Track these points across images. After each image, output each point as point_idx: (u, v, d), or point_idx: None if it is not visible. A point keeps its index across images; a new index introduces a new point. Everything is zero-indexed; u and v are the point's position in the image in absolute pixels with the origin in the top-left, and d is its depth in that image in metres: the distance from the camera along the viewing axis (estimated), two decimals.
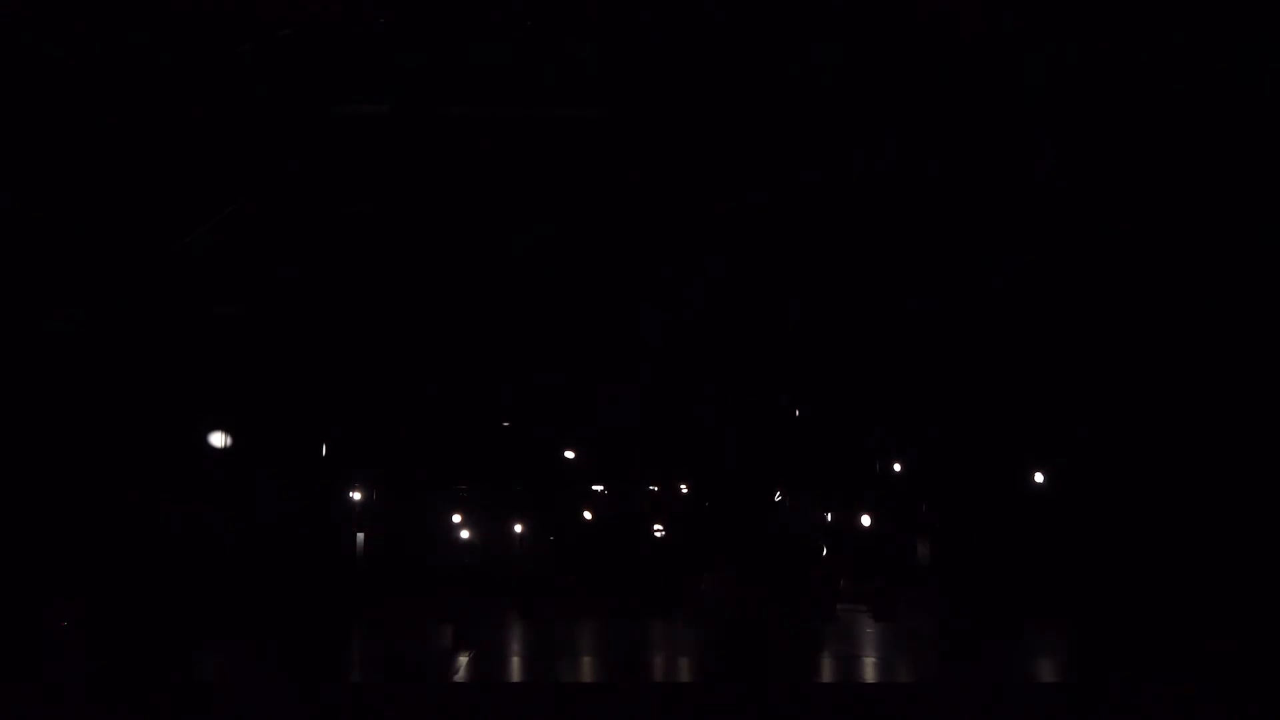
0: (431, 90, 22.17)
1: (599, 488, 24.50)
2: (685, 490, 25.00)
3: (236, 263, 22.60)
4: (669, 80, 22.24)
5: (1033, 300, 22.94)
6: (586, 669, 17.66)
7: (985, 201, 22.46)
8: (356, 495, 24.14)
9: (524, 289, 23.52)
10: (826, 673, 17.15)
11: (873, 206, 22.84)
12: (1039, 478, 23.82)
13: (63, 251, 21.50)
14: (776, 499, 24.64)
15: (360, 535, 23.95)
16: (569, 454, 24.66)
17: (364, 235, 22.86)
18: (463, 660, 17.22)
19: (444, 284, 23.38)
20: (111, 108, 21.35)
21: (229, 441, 23.08)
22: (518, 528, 24.45)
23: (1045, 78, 21.92)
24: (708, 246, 23.36)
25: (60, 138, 21.20)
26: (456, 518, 24.25)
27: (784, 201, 22.97)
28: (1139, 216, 22.07)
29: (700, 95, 22.44)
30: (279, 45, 21.35)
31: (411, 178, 22.90)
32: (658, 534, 24.63)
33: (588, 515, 24.25)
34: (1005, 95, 22.21)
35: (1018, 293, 22.98)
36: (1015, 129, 22.35)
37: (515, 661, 18.05)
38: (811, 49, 21.82)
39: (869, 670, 17.43)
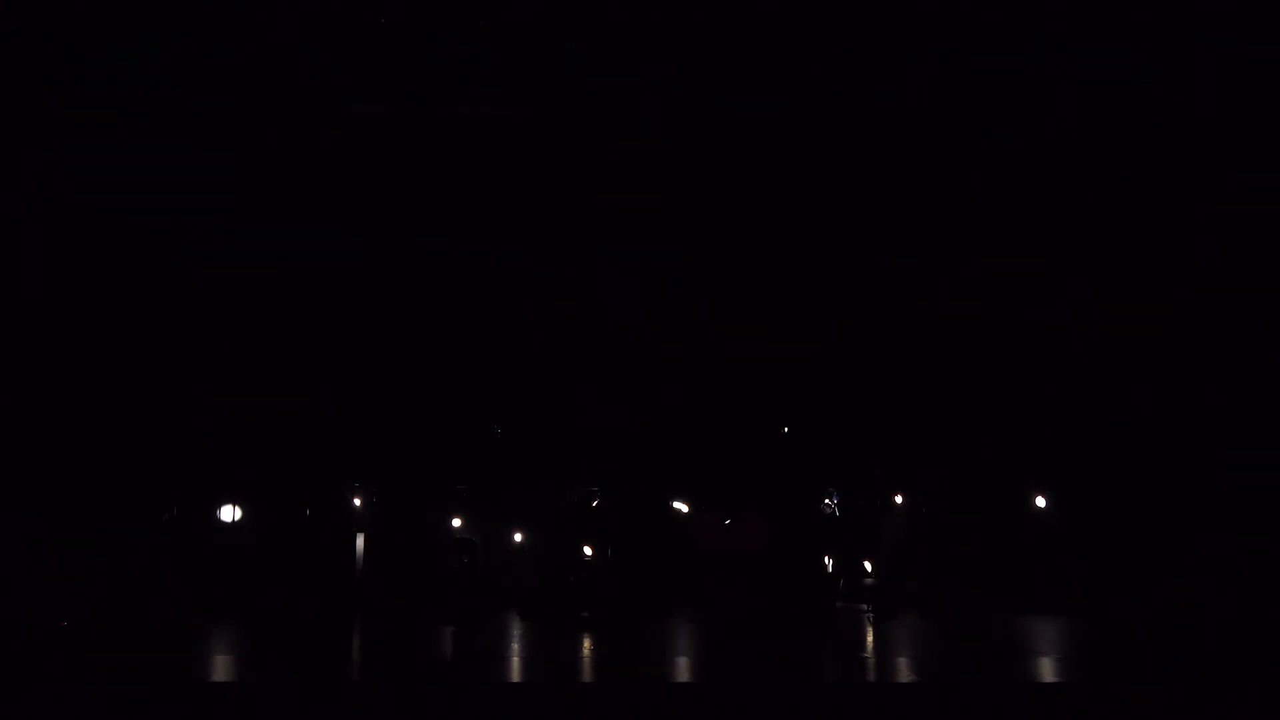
0: (431, 90, 22.19)
1: (596, 489, 24.44)
2: (685, 492, 24.95)
3: (231, 262, 22.62)
4: (663, 79, 22.25)
5: (1031, 302, 22.98)
6: (586, 669, 17.65)
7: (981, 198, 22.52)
8: (356, 499, 24.09)
9: (521, 290, 23.52)
10: (827, 672, 17.14)
11: (875, 206, 22.86)
12: (1039, 476, 23.81)
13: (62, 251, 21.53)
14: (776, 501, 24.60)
15: (360, 536, 23.91)
16: (569, 456, 24.61)
17: (361, 234, 22.88)
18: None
19: (440, 284, 23.38)
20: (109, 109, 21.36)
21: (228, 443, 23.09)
22: (517, 530, 24.40)
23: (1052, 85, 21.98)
24: (708, 249, 23.37)
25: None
26: (455, 520, 24.19)
27: (787, 203, 22.99)
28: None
29: (691, 95, 22.46)
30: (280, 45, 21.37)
31: (408, 179, 22.90)
32: (658, 535, 24.59)
33: (586, 515, 24.22)
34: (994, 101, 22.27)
35: (1015, 293, 23.01)
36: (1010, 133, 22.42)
37: (515, 661, 18.03)
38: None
39: (870, 669, 17.43)
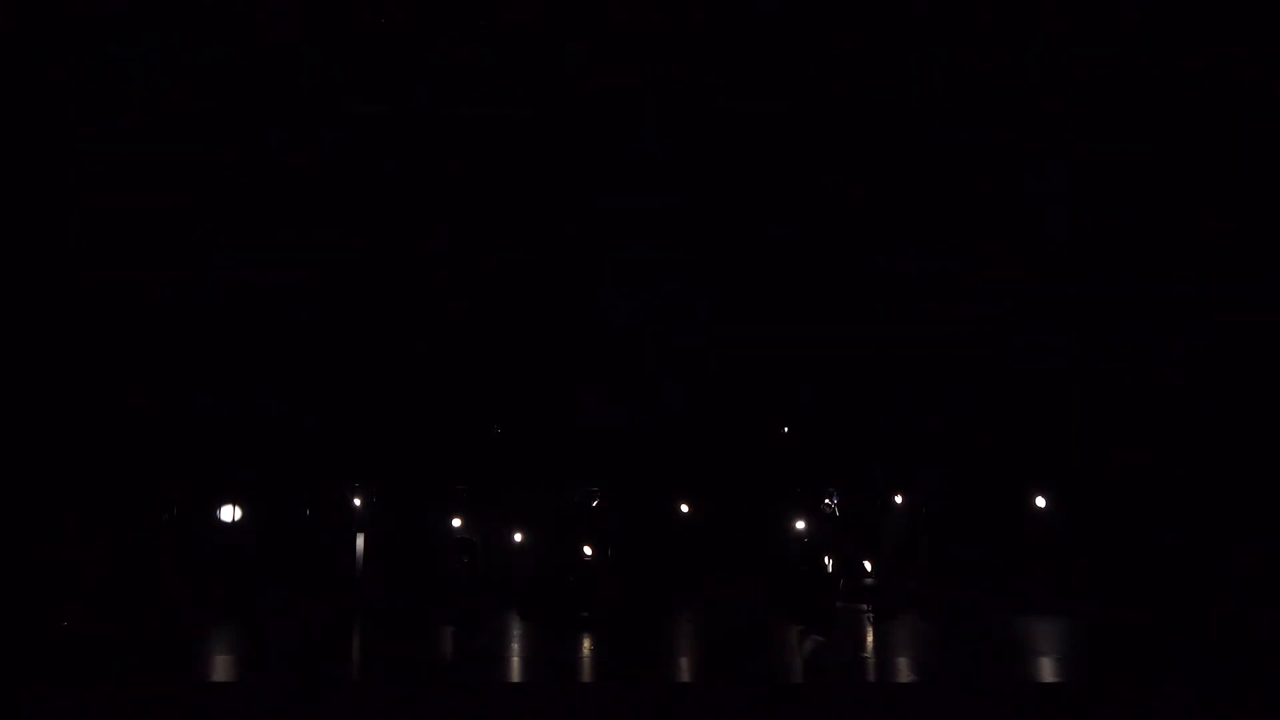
0: (431, 90, 22.19)
1: (596, 489, 24.47)
2: (685, 493, 24.97)
3: (231, 262, 22.63)
4: (663, 78, 22.26)
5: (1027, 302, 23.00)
6: (586, 669, 17.66)
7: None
8: (356, 499, 24.13)
9: (521, 291, 23.54)
10: (827, 672, 17.13)
11: (875, 207, 22.88)
12: (1039, 476, 23.83)
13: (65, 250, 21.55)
14: (776, 501, 24.63)
15: (360, 536, 23.95)
16: (569, 456, 24.63)
17: (362, 234, 22.89)
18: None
19: (441, 284, 23.39)
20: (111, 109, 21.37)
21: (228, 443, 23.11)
22: (517, 530, 24.42)
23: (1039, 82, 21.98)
24: (708, 250, 23.38)
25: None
26: (455, 520, 24.21)
27: (787, 203, 23.01)
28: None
29: (691, 94, 22.46)
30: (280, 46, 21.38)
31: (407, 180, 22.91)
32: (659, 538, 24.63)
33: (586, 515, 24.26)
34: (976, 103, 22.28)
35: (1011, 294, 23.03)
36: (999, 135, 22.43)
37: (515, 661, 18.04)
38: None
39: (870, 670, 17.44)
